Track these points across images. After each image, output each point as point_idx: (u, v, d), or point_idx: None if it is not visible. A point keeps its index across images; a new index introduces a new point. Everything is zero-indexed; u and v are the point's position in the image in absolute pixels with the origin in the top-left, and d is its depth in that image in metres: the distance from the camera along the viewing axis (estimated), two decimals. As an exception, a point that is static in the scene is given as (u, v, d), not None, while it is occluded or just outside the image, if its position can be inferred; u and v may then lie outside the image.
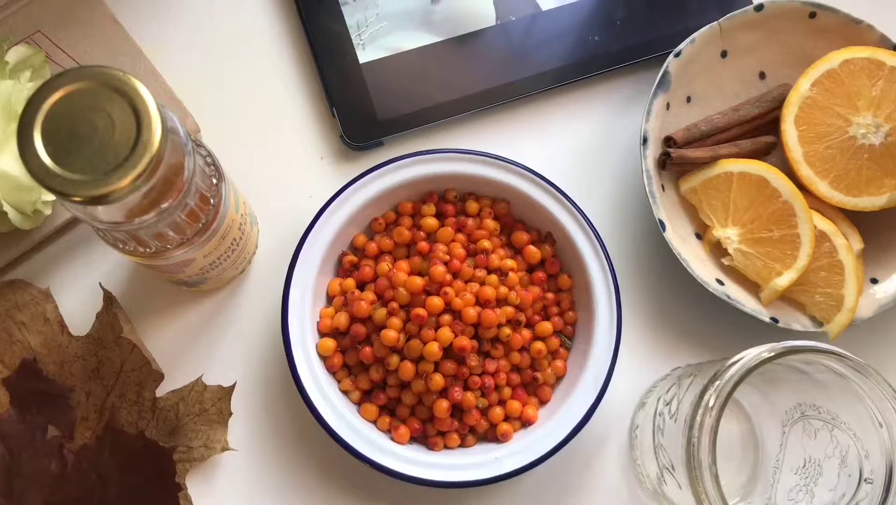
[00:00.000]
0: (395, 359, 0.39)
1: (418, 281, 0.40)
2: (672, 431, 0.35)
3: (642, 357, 0.43)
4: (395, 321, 0.39)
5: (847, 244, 0.41)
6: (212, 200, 0.33)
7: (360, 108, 0.44)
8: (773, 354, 0.32)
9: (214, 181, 0.33)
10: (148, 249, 0.32)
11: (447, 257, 0.41)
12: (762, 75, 0.46)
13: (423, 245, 0.42)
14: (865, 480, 0.34)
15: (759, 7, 0.44)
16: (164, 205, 0.29)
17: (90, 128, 0.26)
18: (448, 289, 0.40)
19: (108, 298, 0.40)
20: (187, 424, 0.40)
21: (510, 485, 0.41)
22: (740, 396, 0.43)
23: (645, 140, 0.42)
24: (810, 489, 0.38)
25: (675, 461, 0.35)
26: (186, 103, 0.43)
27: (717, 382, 0.32)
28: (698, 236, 0.44)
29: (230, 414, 0.40)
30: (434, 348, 0.39)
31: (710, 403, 0.32)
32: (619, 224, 0.45)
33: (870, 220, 0.43)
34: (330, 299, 0.42)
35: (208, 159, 0.33)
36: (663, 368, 0.43)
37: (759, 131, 0.45)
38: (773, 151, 0.45)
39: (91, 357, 0.40)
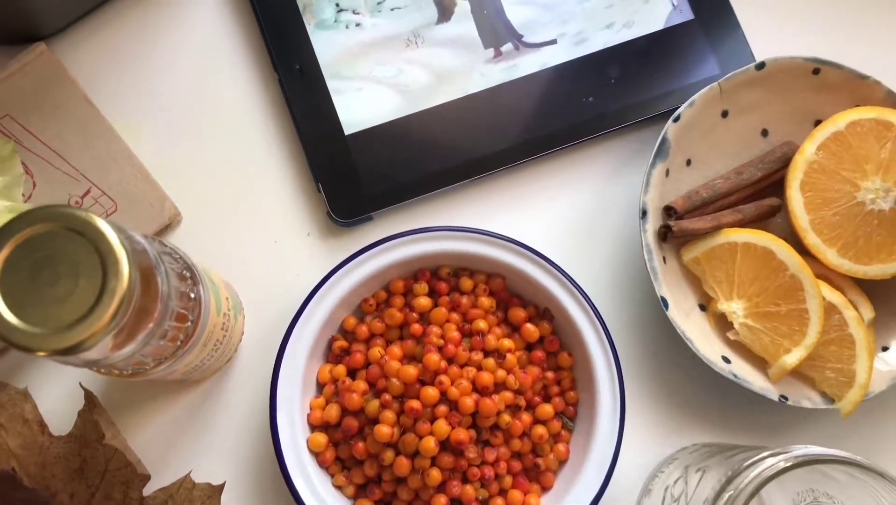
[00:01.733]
0: (389, 454, 0.38)
1: (412, 371, 0.38)
2: (680, 534, 0.34)
3: (647, 435, 0.42)
4: (389, 415, 0.38)
5: (857, 317, 0.39)
6: (190, 317, 0.31)
7: (346, 182, 0.42)
8: (789, 464, 0.30)
9: (192, 295, 0.31)
10: (125, 372, 0.30)
11: (441, 342, 0.39)
12: (765, 133, 0.44)
13: (416, 327, 0.40)
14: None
15: (761, 65, 0.42)
16: (140, 336, 0.28)
17: (52, 275, 0.24)
18: (443, 377, 0.38)
19: (90, 398, 0.38)
20: (176, 523, 0.39)
21: (513, 575, 0.40)
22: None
23: (644, 213, 0.40)
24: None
25: (685, 568, 0.33)
26: (165, 185, 0.42)
27: (728, 494, 0.31)
28: (702, 307, 0.42)
29: (220, 513, 0.39)
30: (430, 444, 0.37)
31: (721, 520, 0.30)
32: (618, 296, 0.43)
33: (880, 284, 0.41)
34: (320, 387, 0.40)
35: (185, 273, 0.31)
36: (669, 447, 0.41)
37: (763, 193, 0.43)
38: (778, 213, 0.43)
39: (74, 457, 0.39)
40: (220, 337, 0.36)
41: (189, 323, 0.31)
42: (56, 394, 0.40)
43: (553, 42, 0.44)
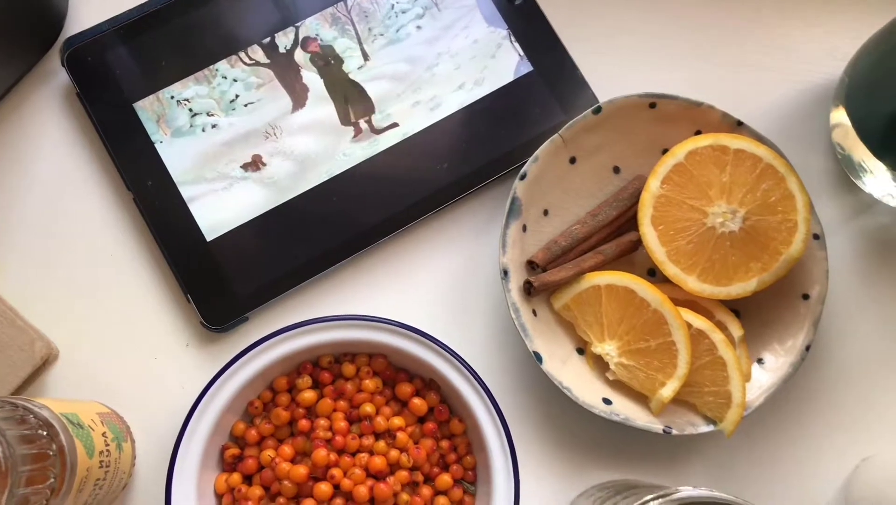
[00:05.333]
0: (293, 556, 0.38)
1: (302, 470, 0.39)
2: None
3: (549, 484, 0.43)
4: (286, 518, 0.38)
5: (724, 339, 0.41)
6: (52, 472, 0.31)
7: (215, 288, 0.43)
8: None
9: (51, 452, 0.31)
10: (-7, 543, 0.30)
11: (329, 434, 0.40)
12: (616, 169, 0.45)
13: (304, 423, 0.41)
14: None
15: (598, 109, 0.43)
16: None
17: None
18: (335, 470, 0.39)
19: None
20: None
21: None
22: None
23: (505, 273, 0.41)
24: None
25: None
26: (39, 322, 0.42)
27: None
28: (580, 351, 0.43)
29: None
30: (329, 539, 0.38)
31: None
32: (498, 356, 0.44)
33: (746, 299, 0.43)
34: (219, 497, 0.41)
35: (40, 431, 0.31)
36: (573, 491, 0.42)
37: (622, 229, 0.44)
38: (640, 247, 0.44)
39: None
40: (100, 476, 0.36)
41: (52, 479, 0.31)
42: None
43: (395, 125, 0.45)
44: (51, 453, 0.31)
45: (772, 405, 0.43)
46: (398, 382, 0.42)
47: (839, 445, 0.44)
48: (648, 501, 0.33)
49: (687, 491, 0.33)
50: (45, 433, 0.32)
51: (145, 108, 0.44)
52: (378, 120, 0.45)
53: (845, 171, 0.47)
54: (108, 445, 0.37)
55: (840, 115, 0.45)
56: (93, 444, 0.35)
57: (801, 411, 0.44)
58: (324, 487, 0.38)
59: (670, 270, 0.42)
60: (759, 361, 0.43)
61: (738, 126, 0.44)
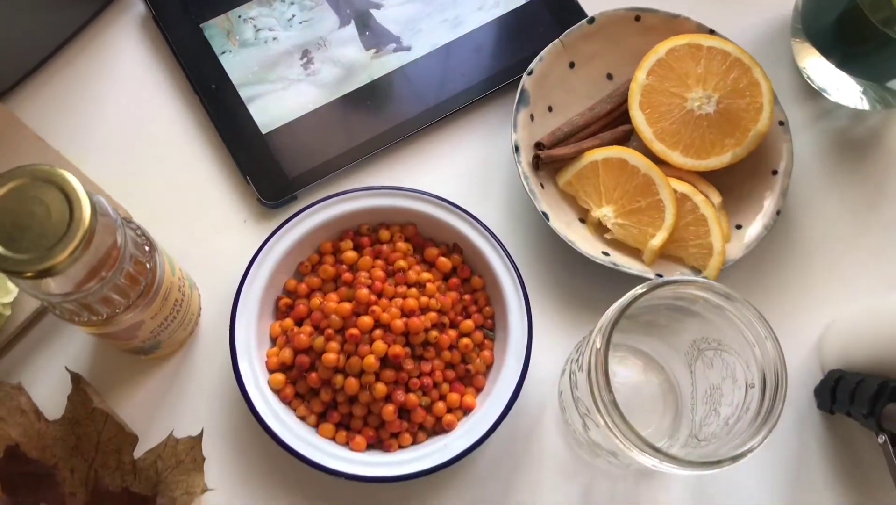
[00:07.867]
0: (339, 378, 0.44)
1: (347, 306, 0.45)
2: (582, 382, 0.41)
3: (558, 333, 0.49)
4: (333, 345, 0.45)
5: (705, 199, 0.48)
6: (147, 265, 0.38)
7: (270, 171, 0.50)
8: (643, 290, 0.38)
9: (147, 248, 0.38)
10: (99, 317, 0.37)
11: (370, 281, 0.47)
12: (609, 76, 0.53)
13: (347, 275, 0.47)
14: (749, 386, 0.40)
15: (591, 20, 0.51)
16: (104, 273, 0.35)
17: (30, 216, 0.32)
18: (375, 307, 0.45)
19: (76, 378, 0.44)
20: (167, 477, 0.44)
21: (467, 469, 0.46)
22: (648, 349, 0.48)
23: (517, 148, 0.48)
24: (716, 409, 0.43)
25: (589, 405, 0.40)
26: (116, 197, 0.49)
27: (601, 326, 0.38)
28: (581, 221, 0.50)
29: (203, 459, 0.44)
30: (371, 360, 0.44)
31: (598, 345, 0.37)
32: (512, 223, 0.51)
33: (726, 176, 0.50)
34: (274, 340, 0.47)
35: (138, 231, 0.38)
36: (577, 339, 0.48)
37: (616, 122, 0.52)
38: (631, 137, 0.51)
39: (70, 436, 0.44)
40: (178, 298, 0.43)
41: (147, 270, 0.38)
42: (47, 384, 0.46)
43: (424, 40, 0.53)
44: (147, 249, 0.38)
45: (750, 270, 0.50)
46: (426, 247, 0.49)
47: (811, 307, 0.50)
48: (637, 290, 0.39)
49: (670, 277, 0.39)
50: (142, 234, 0.39)
51: (217, 25, 0.53)
52: (407, 39, 0.53)
53: (809, 84, 0.54)
54: (182, 277, 0.44)
55: (798, 35, 0.53)
56: (173, 266, 0.42)
57: (775, 276, 0.50)
58: (366, 319, 0.45)
59: (657, 146, 0.49)
60: (738, 226, 0.49)
61: (711, 34, 0.51)
